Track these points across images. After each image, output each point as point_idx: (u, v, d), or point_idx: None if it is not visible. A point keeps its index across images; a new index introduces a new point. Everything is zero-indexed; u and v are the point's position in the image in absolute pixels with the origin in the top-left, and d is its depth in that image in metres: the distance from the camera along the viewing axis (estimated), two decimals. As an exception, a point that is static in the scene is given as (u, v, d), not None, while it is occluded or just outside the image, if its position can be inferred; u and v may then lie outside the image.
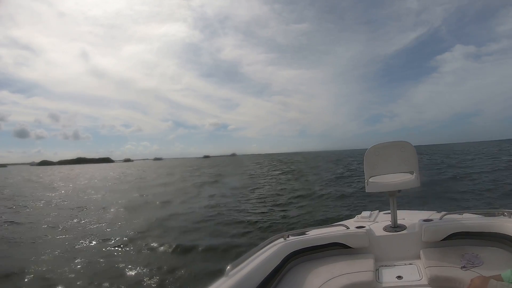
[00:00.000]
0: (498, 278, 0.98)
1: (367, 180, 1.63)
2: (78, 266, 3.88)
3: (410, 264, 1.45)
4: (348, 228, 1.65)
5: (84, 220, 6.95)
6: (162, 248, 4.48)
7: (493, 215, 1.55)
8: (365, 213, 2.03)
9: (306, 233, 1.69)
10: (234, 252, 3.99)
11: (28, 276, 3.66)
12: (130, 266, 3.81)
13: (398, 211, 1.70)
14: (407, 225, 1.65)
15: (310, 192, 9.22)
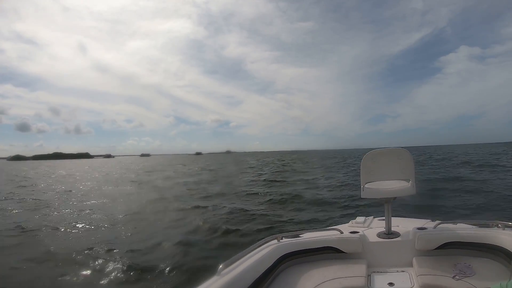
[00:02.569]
0: None
1: (363, 186, 1.69)
2: None
3: (402, 271, 1.51)
4: (342, 232, 1.72)
5: None
6: None
7: (487, 226, 1.62)
8: (360, 219, 2.09)
9: (300, 235, 1.75)
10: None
11: None
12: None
13: (392, 218, 1.77)
14: (401, 233, 1.72)
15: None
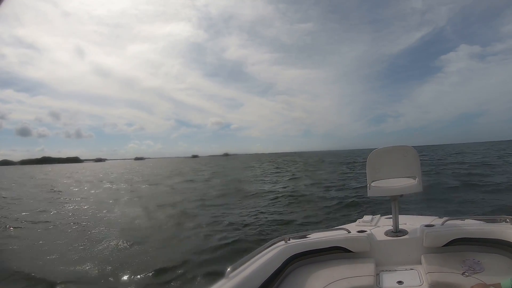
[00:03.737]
0: (498, 286, 1.07)
1: (369, 184, 1.73)
2: None
3: (411, 269, 1.55)
4: (349, 232, 1.75)
5: None
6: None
7: (495, 221, 1.65)
8: (367, 217, 2.13)
9: (307, 236, 1.78)
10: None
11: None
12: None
13: (399, 216, 1.81)
14: (408, 230, 1.75)
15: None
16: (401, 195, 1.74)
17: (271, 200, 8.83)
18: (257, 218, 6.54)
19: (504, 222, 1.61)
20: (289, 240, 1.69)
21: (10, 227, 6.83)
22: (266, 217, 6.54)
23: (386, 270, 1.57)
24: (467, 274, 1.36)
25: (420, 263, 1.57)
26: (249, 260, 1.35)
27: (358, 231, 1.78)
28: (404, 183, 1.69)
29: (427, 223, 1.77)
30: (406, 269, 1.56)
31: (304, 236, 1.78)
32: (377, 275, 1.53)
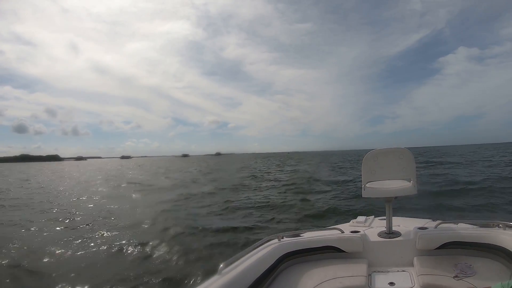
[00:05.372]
0: None
1: (364, 185, 1.77)
2: None
3: (403, 271, 1.58)
4: (342, 232, 1.79)
5: None
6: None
7: (488, 226, 1.70)
8: (361, 218, 2.17)
9: (301, 235, 1.81)
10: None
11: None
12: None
13: (393, 218, 1.85)
14: (402, 232, 1.79)
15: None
16: (396, 197, 1.78)
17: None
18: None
19: (496, 227, 1.65)
20: (282, 238, 1.72)
21: None
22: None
23: (378, 271, 1.61)
24: (459, 277, 1.39)
25: (412, 265, 1.60)
26: (242, 257, 1.38)
27: (352, 232, 1.81)
28: (399, 185, 1.74)
29: (420, 225, 1.82)
30: (398, 271, 1.60)
31: (298, 235, 1.81)
32: (369, 275, 1.56)
